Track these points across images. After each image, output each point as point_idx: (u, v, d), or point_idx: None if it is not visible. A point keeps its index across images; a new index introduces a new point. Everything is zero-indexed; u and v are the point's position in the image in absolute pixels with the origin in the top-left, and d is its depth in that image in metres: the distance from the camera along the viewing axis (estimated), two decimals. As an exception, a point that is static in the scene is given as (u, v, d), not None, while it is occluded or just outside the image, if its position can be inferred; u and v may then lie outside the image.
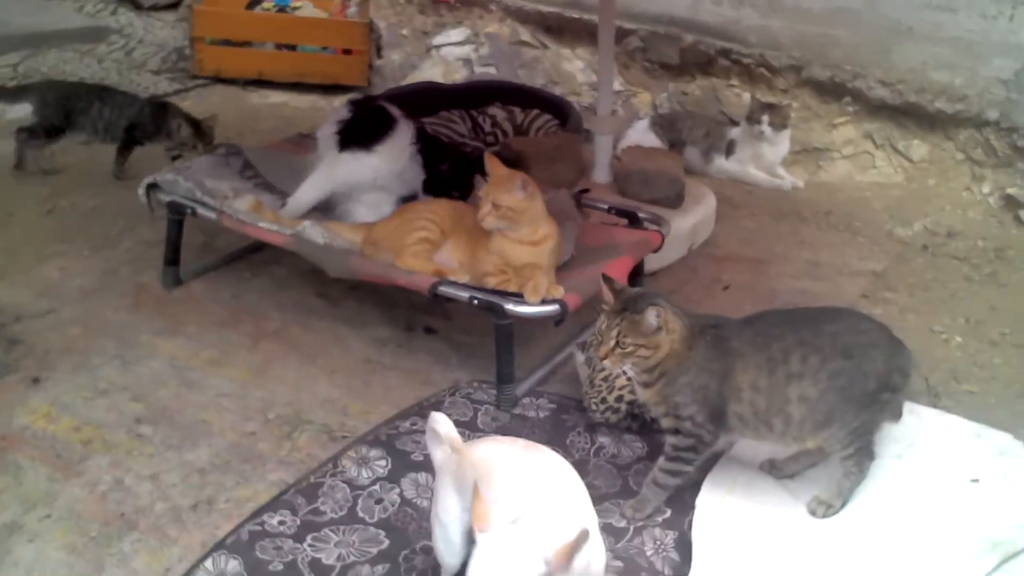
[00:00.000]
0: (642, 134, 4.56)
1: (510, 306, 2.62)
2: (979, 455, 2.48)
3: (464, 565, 1.90)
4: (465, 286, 2.72)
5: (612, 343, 2.14)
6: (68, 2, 6.18)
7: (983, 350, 3.09)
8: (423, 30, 5.86)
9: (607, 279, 2.20)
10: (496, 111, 4.38)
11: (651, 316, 2.10)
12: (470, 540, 1.72)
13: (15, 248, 3.58)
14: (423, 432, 2.54)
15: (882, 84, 4.57)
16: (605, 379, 2.59)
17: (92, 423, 2.65)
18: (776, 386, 2.14)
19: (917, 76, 4.49)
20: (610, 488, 2.42)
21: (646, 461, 2.49)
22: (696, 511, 2.26)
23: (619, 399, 2.58)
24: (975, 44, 4.32)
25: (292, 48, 5.65)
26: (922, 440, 2.49)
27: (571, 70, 5.42)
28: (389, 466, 2.46)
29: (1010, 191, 4.16)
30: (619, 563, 2.16)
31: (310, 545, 2.19)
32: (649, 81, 5.28)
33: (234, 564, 2.12)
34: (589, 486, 2.33)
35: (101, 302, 3.25)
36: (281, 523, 2.25)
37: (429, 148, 3.24)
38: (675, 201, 3.68)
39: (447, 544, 1.91)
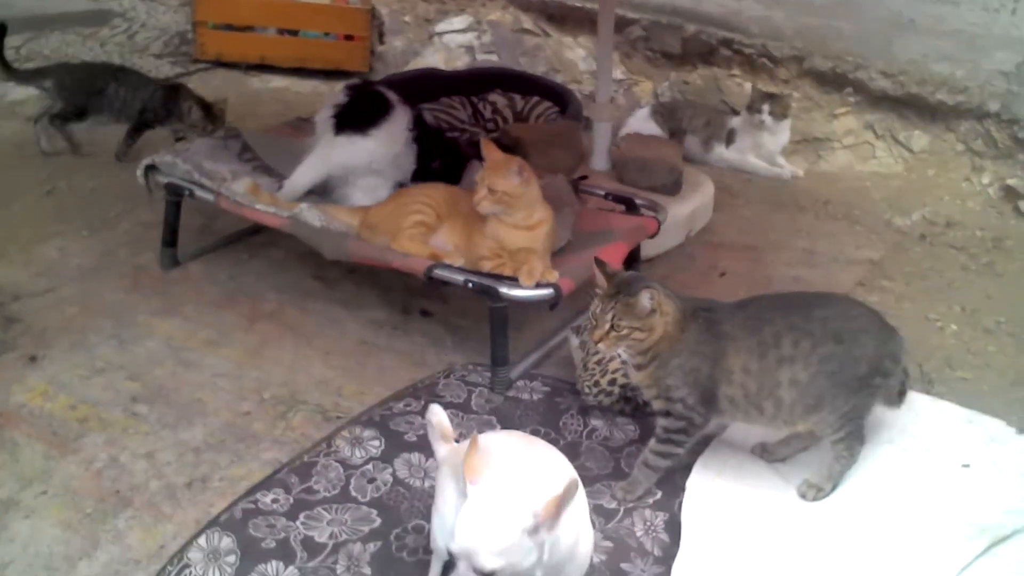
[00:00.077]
0: (643, 122, 4.57)
1: (504, 289, 2.63)
2: (971, 441, 2.49)
3: None
4: (460, 269, 2.73)
5: (607, 326, 2.14)
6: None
7: (978, 338, 3.10)
8: (425, 17, 5.86)
9: (600, 263, 2.21)
10: (496, 98, 4.39)
11: (645, 299, 2.11)
12: None
13: (14, 228, 3.60)
14: (417, 413, 2.59)
15: (884, 75, 4.57)
16: (598, 362, 2.60)
17: (88, 401, 2.67)
18: (767, 369, 2.15)
19: (919, 68, 4.49)
20: (602, 470, 2.43)
21: (638, 444, 2.50)
22: (686, 493, 2.27)
23: (612, 382, 2.59)
24: (977, 37, 4.32)
25: (294, 33, 5.67)
26: (914, 426, 2.50)
27: (573, 58, 5.42)
28: (382, 446, 2.47)
29: (1010, 182, 4.17)
30: (609, 543, 2.17)
31: (303, 523, 2.20)
32: (651, 70, 5.28)
33: (227, 541, 2.13)
34: (581, 468, 2.37)
35: (99, 282, 3.26)
36: (274, 501, 2.26)
37: (425, 137, 3.24)
38: (673, 188, 3.69)
39: (444, 535, 1.92)
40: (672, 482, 2.33)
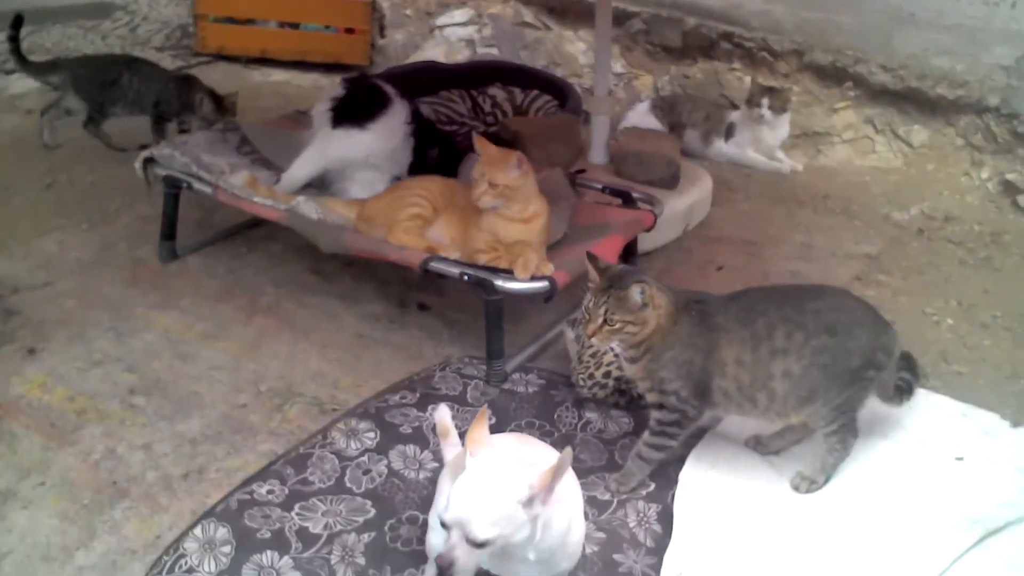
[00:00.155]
0: (642, 116, 4.57)
1: (500, 282, 2.64)
2: (965, 434, 2.50)
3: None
4: (456, 262, 2.74)
5: (600, 321, 2.15)
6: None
7: (974, 332, 3.10)
8: (426, 10, 5.86)
9: (591, 257, 2.21)
10: (496, 91, 4.39)
11: (636, 293, 2.12)
12: None
13: (14, 221, 3.62)
14: (412, 405, 2.60)
15: (884, 70, 4.56)
16: (593, 355, 2.61)
17: (86, 393, 2.69)
18: (760, 361, 2.15)
19: (919, 62, 4.48)
20: (596, 462, 2.44)
21: (632, 436, 2.50)
22: (679, 485, 2.28)
23: (607, 375, 2.60)
24: (977, 31, 4.31)
25: (295, 26, 5.68)
26: (908, 419, 2.50)
27: (573, 52, 5.41)
28: (378, 438, 2.48)
29: (1009, 177, 4.16)
30: (602, 534, 2.18)
31: (298, 514, 2.22)
32: (651, 64, 5.27)
33: (223, 531, 2.15)
34: (576, 460, 2.38)
35: (98, 275, 3.28)
36: (270, 492, 2.28)
37: (422, 130, 3.25)
38: (670, 182, 3.69)
39: (440, 537, 1.93)
40: (665, 474, 2.34)
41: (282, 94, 5.17)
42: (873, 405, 2.32)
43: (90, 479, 2.37)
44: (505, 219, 2.72)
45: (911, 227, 3.89)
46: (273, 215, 2.99)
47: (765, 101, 4.35)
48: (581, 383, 2.64)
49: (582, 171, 3.51)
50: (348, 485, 2.33)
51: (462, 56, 5.54)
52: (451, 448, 2.01)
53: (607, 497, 2.30)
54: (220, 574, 2.04)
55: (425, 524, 2.17)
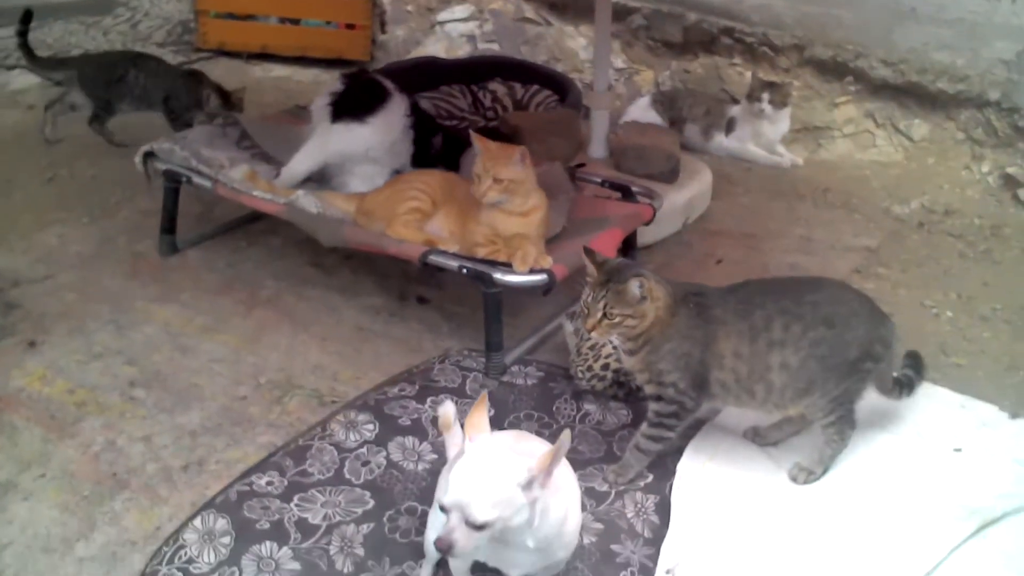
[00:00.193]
0: (643, 111, 4.57)
1: (498, 275, 2.64)
2: (963, 426, 2.51)
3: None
4: (454, 255, 2.74)
5: (599, 315, 2.15)
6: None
7: (973, 325, 3.10)
8: (427, 6, 5.86)
9: (588, 252, 2.21)
10: (497, 86, 4.39)
11: (634, 286, 2.12)
12: None
13: (15, 215, 3.63)
14: (411, 398, 2.61)
15: (884, 64, 4.55)
16: (591, 348, 2.61)
17: (86, 386, 2.70)
18: (758, 353, 2.16)
19: (919, 56, 4.48)
20: (594, 454, 2.45)
21: (630, 428, 2.51)
22: (677, 476, 2.28)
23: (605, 367, 2.60)
24: (977, 25, 4.30)
25: (296, 22, 5.68)
26: (906, 411, 2.50)
27: (574, 47, 5.42)
28: (377, 430, 2.49)
29: (1009, 170, 4.16)
30: (600, 525, 2.19)
31: (297, 505, 2.23)
32: (652, 59, 5.27)
33: (222, 523, 2.16)
34: (574, 451, 2.39)
35: (98, 269, 3.29)
36: (269, 484, 2.29)
37: (422, 123, 3.25)
38: (670, 176, 3.69)
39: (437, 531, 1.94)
40: (663, 465, 2.34)
41: (283, 90, 5.18)
42: (872, 397, 2.33)
43: (90, 471, 2.38)
44: (504, 213, 2.73)
45: (911, 220, 3.89)
46: (272, 209, 2.99)
47: (765, 96, 4.35)
48: (580, 375, 2.65)
49: (582, 165, 3.51)
50: (347, 476, 2.33)
51: (463, 52, 5.54)
52: (454, 443, 2.01)
53: (605, 488, 2.31)
54: (219, 565, 2.05)
55: (423, 515, 2.18)
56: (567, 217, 3.03)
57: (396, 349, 2.91)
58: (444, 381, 2.69)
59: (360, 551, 2.11)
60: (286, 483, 2.29)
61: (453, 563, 1.88)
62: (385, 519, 2.20)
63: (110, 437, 2.49)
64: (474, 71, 4.49)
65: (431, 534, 1.91)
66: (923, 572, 2.02)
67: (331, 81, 3.37)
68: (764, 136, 4.45)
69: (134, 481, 2.35)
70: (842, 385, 2.19)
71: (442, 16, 5.77)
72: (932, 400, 2.58)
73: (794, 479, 2.29)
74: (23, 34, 4.11)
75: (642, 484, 2.32)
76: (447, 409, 2.05)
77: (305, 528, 2.16)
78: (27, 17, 4.10)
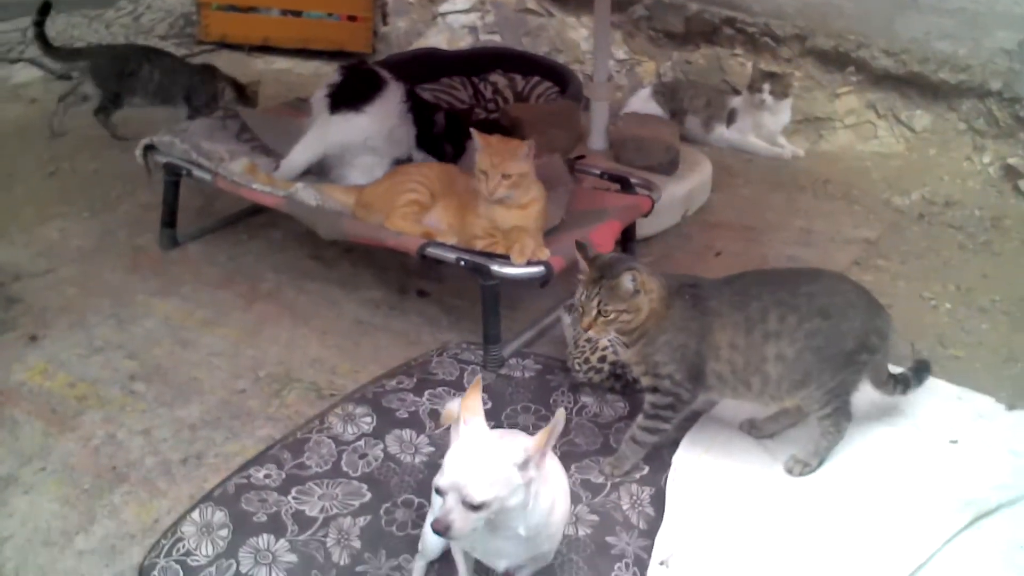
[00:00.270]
0: (644, 102, 4.56)
1: (496, 267, 2.64)
2: (960, 417, 2.51)
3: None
4: (452, 248, 2.75)
5: (594, 313, 2.15)
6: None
7: (972, 316, 3.09)
8: (429, -2, 5.86)
9: (580, 247, 2.21)
10: (497, 78, 4.40)
11: (627, 280, 2.12)
12: None
13: (17, 209, 3.64)
14: (409, 391, 2.62)
15: (886, 54, 4.54)
16: (588, 340, 2.62)
17: (87, 380, 2.71)
18: (754, 345, 2.16)
19: (921, 46, 4.46)
20: (591, 446, 2.46)
21: (627, 420, 2.52)
22: (673, 468, 2.29)
23: (602, 359, 2.61)
24: (979, 15, 4.29)
25: (297, 14, 5.67)
26: (903, 402, 2.50)
27: (575, 38, 5.41)
28: (374, 423, 2.49)
29: (1011, 161, 4.14)
30: (595, 517, 2.19)
31: (294, 497, 2.24)
32: (654, 50, 5.26)
33: (220, 515, 2.17)
34: (571, 444, 2.41)
35: (99, 263, 3.30)
36: (267, 476, 2.30)
37: (420, 108, 3.26)
38: (669, 168, 3.69)
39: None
40: (660, 457, 2.35)
41: (284, 82, 5.18)
42: (868, 389, 2.33)
43: (90, 464, 2.40)
44: (503, 205, 2.73)
45: (911, 212, 3.88)
46: (272, 201, 3.00)
47: (766, 86, 4.34)
48: (577, 368, 2.66)
49: (582, 157, 3.52)
50: (344, 469, 2.34)
51: (465, 43, 5.53)
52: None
53: (601, 480, 2.31)
54: (217, 557, 2.06)
55: (420, 508, 2.19)
56: (565, 209, 3.03)
57: (395, 342, 2.92)
58: (442, 374, 2.70)
59: (357, 543, 2.12)
60: (284, 476, 2.30)
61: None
62: (382, 512, 2.21)
63: (110, 431, 2.51)
64: (475, 63, 4.50)
65: (430, 535, 1.91)
66: (918, 563, 2.03)
67: (331, 73, 3.37)
68: (765, 127, 4.44)
69: (133, 474, 2.37)
70: (838, 377, 2.19)
71: (444, 7, 5.76)
72: (929, 392, 2.57)
73: (790, 471, 2.30)
74: (40, 24, 4.12)
75: (638, 476, 2.33)
76: (453, 406, 2.06)
77: (302, 520, 2.17)
78: (45, 8, 4.12)
